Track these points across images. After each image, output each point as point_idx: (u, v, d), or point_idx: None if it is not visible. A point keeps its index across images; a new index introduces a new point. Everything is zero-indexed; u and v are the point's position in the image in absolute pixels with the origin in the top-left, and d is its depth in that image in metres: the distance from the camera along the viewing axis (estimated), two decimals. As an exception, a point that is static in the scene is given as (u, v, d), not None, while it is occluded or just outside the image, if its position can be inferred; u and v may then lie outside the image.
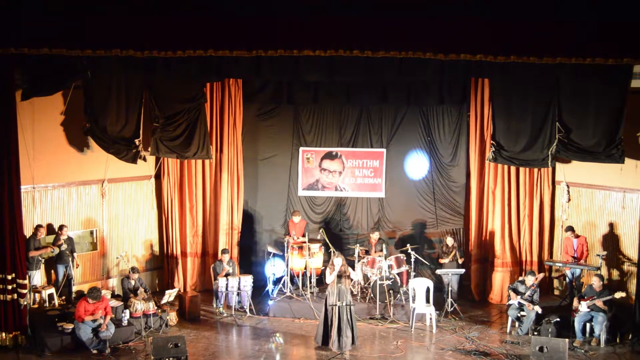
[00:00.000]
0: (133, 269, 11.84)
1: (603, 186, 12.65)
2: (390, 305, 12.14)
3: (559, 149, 11.93)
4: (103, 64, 10.68)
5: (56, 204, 12.21)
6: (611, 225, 12.56)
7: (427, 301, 11.89)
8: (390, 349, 10.96)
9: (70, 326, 10.65)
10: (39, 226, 11.65)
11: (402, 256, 12.71)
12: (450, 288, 12.35)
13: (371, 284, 12.35)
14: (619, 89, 11.09)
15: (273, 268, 12.83)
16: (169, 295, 11.82)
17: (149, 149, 12.47)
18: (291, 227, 13.39)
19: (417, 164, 13.97)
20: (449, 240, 12.93)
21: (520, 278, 11.97)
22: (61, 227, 11.85)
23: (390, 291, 12.22)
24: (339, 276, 10.54)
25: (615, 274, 12.48)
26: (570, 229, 12.51)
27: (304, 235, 12.75)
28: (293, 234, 13.15)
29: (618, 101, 11.16)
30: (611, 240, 12.57)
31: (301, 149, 14.20)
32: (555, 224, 13.40)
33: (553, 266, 13.11)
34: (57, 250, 11.74)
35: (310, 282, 12.73)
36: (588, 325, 11.16)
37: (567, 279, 12.68)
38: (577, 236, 12.46)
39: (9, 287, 10.42)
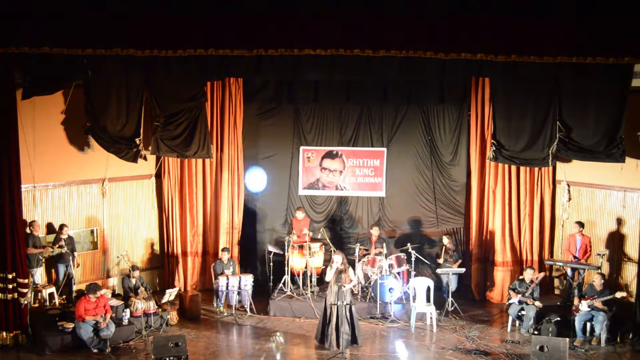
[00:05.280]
0: (133, 267, 11.83)
1: (603, 185, 12.65)
2: (390, 304, 12.15)
3: (559, 148, 11.94)
4: (103, 63, 10.65)
5: (57, 203, 12.21)
6: (612, 224, 12.56)
7: (428, 300, 11.89)
8: (391, 348, 10.97)
9: (70, 325, 10.66)
10: (32, 222, 11.57)
11: (403, 255, 12.70)
12: (449, 287, 12.35)
13: (372, 283, 12.35)
14: (620, 88, 11.10)
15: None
16: (170, 294, 11.82)
17: (150, 148, 12.47)
18: (295, 225, 13.32)
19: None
20: (445, 239, 12.90)
21: (520, 277, 11.95)
22: (61, 227, 11.84)
23: (391, 290, 12.22)
24: (339, 274, 10.51)
25: (615, 273, 12.48)
26: (580, 224, 12.43)
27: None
28: (293, 232, 13.11)
29: (619, 100, 11.17)
30: (612, 240, 12.57)
31: (302, 148, 14.18)
32: (555, 223, 13.39)
33: (553, 265, 13.10)
34: (56, 250, 11.74)
35: (311, 281, 12.73)
36: (588, 324, 11.16)
37: (569, 277, 12.61)
38: (582, 235, 12.43)
39: (10, 286, 10.42)
